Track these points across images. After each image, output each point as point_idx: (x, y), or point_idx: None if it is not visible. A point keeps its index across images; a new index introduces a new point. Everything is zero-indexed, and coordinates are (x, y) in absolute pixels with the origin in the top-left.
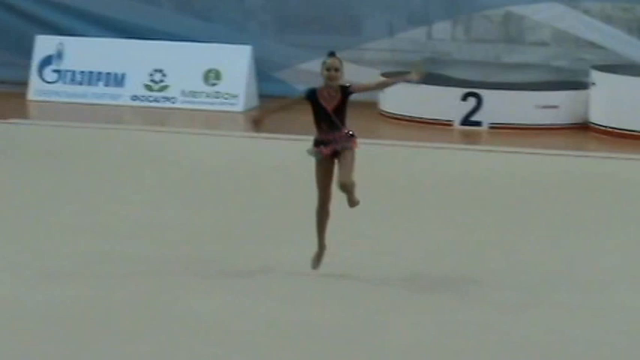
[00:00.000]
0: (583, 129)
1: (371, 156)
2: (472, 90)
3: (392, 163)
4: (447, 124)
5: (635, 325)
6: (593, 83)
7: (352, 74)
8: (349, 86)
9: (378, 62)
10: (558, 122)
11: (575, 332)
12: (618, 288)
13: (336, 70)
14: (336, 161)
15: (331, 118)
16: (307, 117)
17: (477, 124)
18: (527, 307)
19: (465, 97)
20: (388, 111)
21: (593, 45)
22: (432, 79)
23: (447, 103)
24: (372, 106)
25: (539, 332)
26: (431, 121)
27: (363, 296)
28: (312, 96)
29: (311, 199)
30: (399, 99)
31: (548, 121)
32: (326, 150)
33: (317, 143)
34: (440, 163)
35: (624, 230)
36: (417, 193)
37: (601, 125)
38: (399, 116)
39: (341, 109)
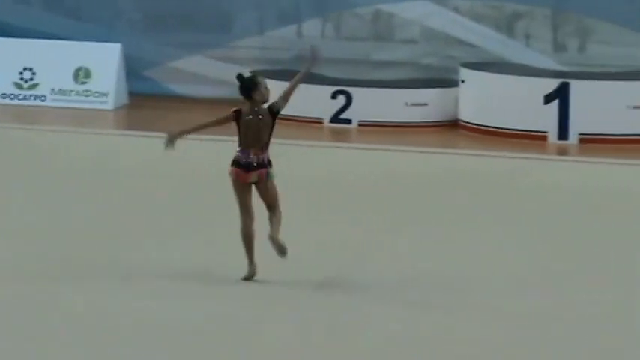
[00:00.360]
0: (452, 126)
1: None
2: (342, 88)
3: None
4: (317, 122)
5: (502, 322)
6: (462, 81)
7: (222, 72)
8: (277, 109)
9: (248, 60)
10: (428, 120)
11: (436, 330)
12: (486, 285)
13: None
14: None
15: (256, 133)
16: (178, 114)
17: (347, 121)
18: (396, 303)
19: (334, 95)
20: None
21: (462, 43)
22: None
23: (317, 101)
24: (243, 103)
25: (395, 330)
26: (301, 119)
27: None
28: (237, 116)
29: (181, 196)
30: (269, 97)
31: (417, 119)
32: (244, 177)
33: (236, 163)
34: (310, 161)
35: (493, 226)
36: (287, 192)
37: (470, 123)
38: None
39: (267, 127)
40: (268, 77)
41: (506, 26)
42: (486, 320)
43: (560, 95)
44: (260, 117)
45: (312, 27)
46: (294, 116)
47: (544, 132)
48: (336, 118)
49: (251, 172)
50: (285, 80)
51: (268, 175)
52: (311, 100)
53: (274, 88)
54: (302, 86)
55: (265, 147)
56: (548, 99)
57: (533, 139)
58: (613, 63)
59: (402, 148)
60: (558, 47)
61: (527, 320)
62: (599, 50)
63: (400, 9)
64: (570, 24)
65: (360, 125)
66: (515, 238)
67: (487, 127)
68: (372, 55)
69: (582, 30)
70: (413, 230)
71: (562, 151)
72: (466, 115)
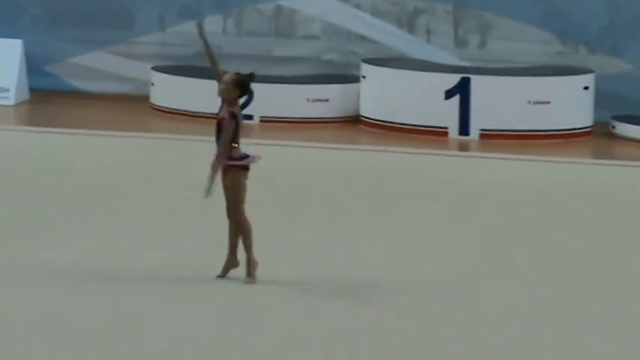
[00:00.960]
0: (354, 122)
1: (143, 150)
2: None
3: (164, 157)
4: (216, 117)
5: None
6: (364, 76)
7: (123, 68)
8: (238, 118)
9: (149, 56)
10: (329, 115)
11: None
12: (388, 282)
13: (226, 92)
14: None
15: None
16: (80, 110)
17: (249, 117)
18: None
19: None
20: (160, 105)
21: (363, 39)
22: (202, 72)
23: (218, 97)
24: (143, 99)
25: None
26: (202, 115)
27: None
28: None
29: (85, 193)
30: (171, 93)
31: (319, 115)
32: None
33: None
34: (211, 157)
35: (395, 222)
36: (192, 187)
37: (371, 118)
38: (170, 110)
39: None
40: (170, 73)
41: (408, 22)
42: (394, 319)
43: (461, 91)
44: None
45: (213, 23)
46: (195, 111)
47: (445, 127)
48: None
49: None
50: (188, 76)
51: None
52: (212, 96)
53: (175, 84)
54: (203, 82)
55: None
56: (449, 94)
57: (434, 134)
58: (514, 59)
59: (304, 144)
60: (459, 43)
61: (430, 319)
62: (499, 46)
63: (301, 5)
64: (471, 20)
65: (261, 121)
66: (416, 233)
67: (388, 122)
68: (273, 50)
69: (483, 26)
70: (313, 226)
71: (463, 147)
72: (367, 110)
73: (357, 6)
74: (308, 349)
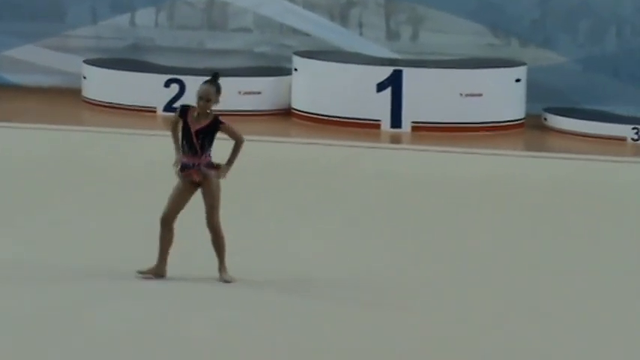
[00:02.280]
0: (286, 115)
1: (75, 143)
2: (175, 76)
3: (97, 150)
4: (151, 110)
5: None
6: (296, 69)
7: (55, 61)
8: (221, 122)
9: (81, 49)
10: (261, 108)
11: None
12: (326, 277)
13: (208, 100)
14: (200, 191)
15: (193, 141)
16: (11, 104)
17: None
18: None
19: (167, 84)
20: (91, 98)
21: (296, 31)
22: (134, 65)
23: (150, 90)
24: (75, 92)
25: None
26: (134, 107)
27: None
28: (182, 113)
29: (17, 186)
30: (102, 85)
31: (251, 107)
32: (185, 175)
33: (183, 167)
34: (144, 149)
35: (327, 216)
36: (124, 180)
37: (303, 111)
38: (102, 103)
39: (206, 134)
40: (102, 67)
41: (340, 15)
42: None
43: (393, 83)
44: (200, 117)
45: (145, 16)
46: (127, 105)
47: (377, 120)
48: (169, 107)
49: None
50: (120, 70)
51: None
52: (144, 89)
53: (107, 77)
54: (135, 75)
55: (195, 150)
56: (381, 87)
57: (366, 127)
58: (446, 51)
59: (254, 138)
60: (391, 35)
61: (364, 310)
62: (431, 38)
63: None
64: (403, 12)
65: None
66: (348, 226)
67: (320, 115)
68: (205, 43)
69: (415, 18)
70: (244, 219)
71: (395, 139)
72: (299, 103)
73: None
74: (242, 344)
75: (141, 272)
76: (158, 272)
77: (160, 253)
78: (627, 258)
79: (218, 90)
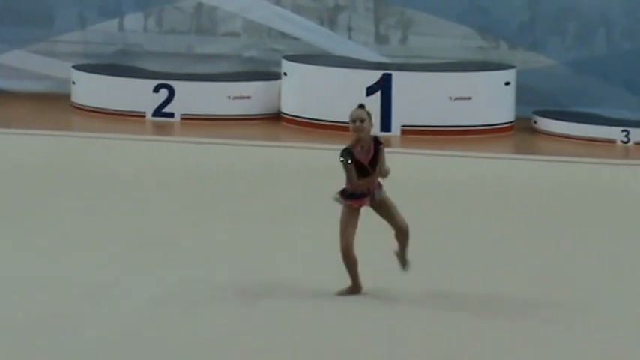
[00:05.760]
0: (275, 119)
1: (64, 148)
2: (164, 81)
3: (86, 155)
4: (139, 115)
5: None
6: (285, 73)
7: (44, 66)
8: (381, 140)
9: (70, 55)
10: (251, 113)
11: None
12: (312, 282)
13: (362, 121)
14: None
15: (368, 171)
16: (1, 109)
17: (170, 115)
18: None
19: (156, 89)
20: (80, 103)
21: (284, 35)
22: (123, 70)
23: (139, 95)
24: (64, 98)
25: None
26: (123, 112)
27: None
28: (351, 157)
29: (6, 192)
30: (91, 91)
31: (240, 112)
32: (357, 204)
33: (348, 196)
34: (133, 154)
35: (318, 220)
36: (113, 186)
37: (293, 115)
38: (91, 108)
39: (375, 160)
40: (91, 72)
41: (329, 19)
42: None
43: (383, 87)
44: (364, 148)
45: (134, 21)
46: (116, 110)
47: None
48: (158, 112)
49: None
50: (109, 75)
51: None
52: (133, 94)
53: (96, 82)
54: (124, 80)
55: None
56: (370, 91)
57: None
58: (435, 54)
59: (226, 142)
60: (380, 39)
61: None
62: (421, 42)
63: (222, 2)
64: (392, 16)
65: (182, 119)
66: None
67: (310, 119)
68: (194, 48)
69: (404, 22)
70: (237, 225)
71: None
72: (289, 107)
73: (278, 3)
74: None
75: (340, 293)
76: (355, 290)
77: (352, 275)
78: (617, 260)
79: (369, 114)
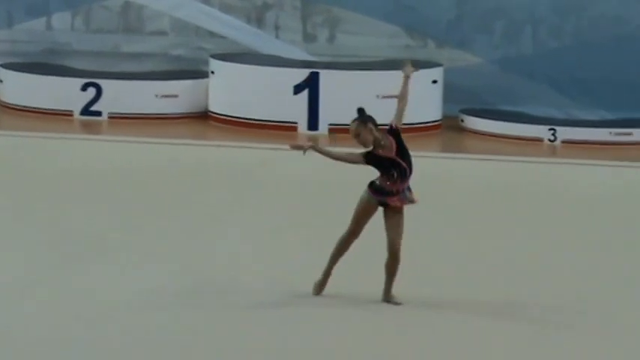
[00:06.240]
0: (203, 118)
1: None
2: (92, 80)
3: (13, 154)
4: (67, 114)
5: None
6: (213, 72)
7: None
8: (393, 127)
9: None
10: (178, 111)
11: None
12: (245, 284)
13: (357, 136)
14: (385, 213)
15: (399, 164)
16: None
17: (97, 114)
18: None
19: (84, 88)
20: (8, 102)
21: (212, 34)
22: (51, 69)
23: (67, 94)
24: None
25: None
26: (51, 111)
27: None
28: (369, 156)
29: None
30: (19, 89)
31: (168, 110)
32: (392, 201)
33: (379, 191)
34: (61, 153)
35: (245, 218)
36: (40, 185)
37: (220, 114)
38: (18, 107)
39: (402, 148)
40: (19, 70)
41: (256, 17)
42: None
43: (310, 85)
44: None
45: (61, 20)
46: (44, 109)
47: (294, 122)
48: (86, 111)
49: None
50: (37, 74)
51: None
52: (61, 92)
53: (24, 81)
54: (52, 79)
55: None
56: (298, 89)
57: (283, 129)
58: (362, 53)
59: (153, 140)
60: (308, 38)
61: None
62: (348, 40)
63: (150, 0)
64: (319, 14)
65: (110, 117)
66: (266, 228)
67: (237, 118)
68: (122, 47)
69: (331, 20)
70: (164, 223)
71: (313, 141)
72: (216, 106)
73: (206, 1)
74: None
75: (388, 300)
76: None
77: (331, 262)
78: (544, 258)
79: (362, 123)
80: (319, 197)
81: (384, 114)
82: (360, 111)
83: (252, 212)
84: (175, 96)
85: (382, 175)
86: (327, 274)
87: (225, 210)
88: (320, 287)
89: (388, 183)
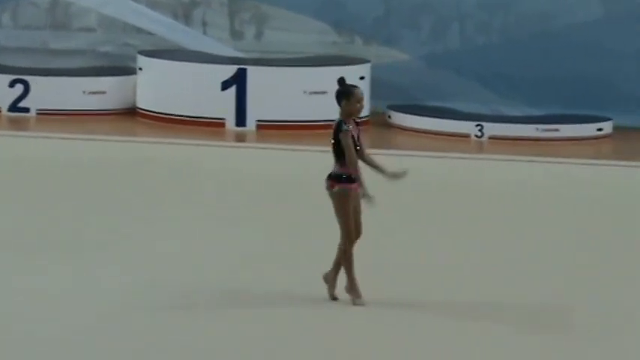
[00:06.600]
0: (131, 114)
1: None
2: (19, 77)
3: None
4: None
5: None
6: (140, 68)
7: None
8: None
9: None
10: (106, 108)
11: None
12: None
13: (361, 99)
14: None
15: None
16: None
17: (25, 110)
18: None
19: (12, 84)
20: None
21: (140, 30)
22: None
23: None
24: None
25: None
26: None
27: None
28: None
29: None
30: None
31: (95, 107)
32: (356, 188)
33: (347, 179)
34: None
35: (174, 214)
36: None
37: (148, 110)
38: None
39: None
40: None
41: (184, 14)
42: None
43: (238, 82)
44: (355, 127)
45: None
46: None
47: (222, 119)
48: (14, 107)
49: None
50: None
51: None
52: None
53: None
54: None
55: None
56: (225, 85)
57: (211, 125)
58: (290, 49)
59: (81, 136)
60: (235, 34)
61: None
62: (276, 37)
63: None
64: (247, 11)
65: (38, 114)
66: (194, 225)
67: (165, 114)
68: (49, 43)
69: (259, 17)
70: (90, 219)
71: (240, 138)
72: (144, 102)
73: None
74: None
75: (356, 303)
76: (354, 286)
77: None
78: (475, 253)
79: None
80: (247, 193)
81: (310, 110)
82: (343, 80)
83: (180, 208)
84: (103, 92)
85: (339, 160)
86: (352, 281)
87: (152, 206)
88: (355, 292)
89: (343, 168)
